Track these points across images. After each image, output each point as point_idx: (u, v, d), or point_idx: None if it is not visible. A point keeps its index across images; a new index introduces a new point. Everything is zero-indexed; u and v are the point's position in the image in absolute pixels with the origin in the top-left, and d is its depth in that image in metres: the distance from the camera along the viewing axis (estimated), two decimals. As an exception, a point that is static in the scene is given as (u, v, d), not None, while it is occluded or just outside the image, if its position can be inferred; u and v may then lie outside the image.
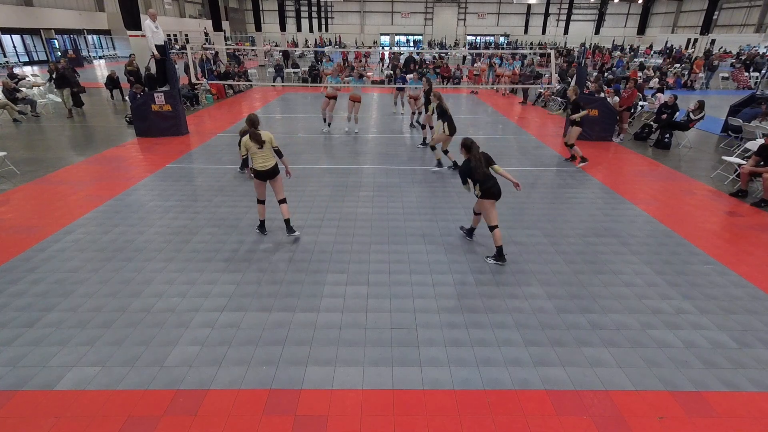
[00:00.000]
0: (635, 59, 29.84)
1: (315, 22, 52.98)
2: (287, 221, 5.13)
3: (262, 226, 5.32)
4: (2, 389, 2.96)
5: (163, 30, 10.39)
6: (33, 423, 2.72)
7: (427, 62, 21.52)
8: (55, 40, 31.68)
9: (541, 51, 25.58)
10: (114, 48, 39.12)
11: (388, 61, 25.29)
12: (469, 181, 4.55)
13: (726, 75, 21.08)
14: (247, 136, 4.81)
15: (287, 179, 5.88)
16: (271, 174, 4.93)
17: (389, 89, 17.32)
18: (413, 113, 11.50)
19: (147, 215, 5.79)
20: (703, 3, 32.85)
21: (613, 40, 44.90)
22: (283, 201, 5.10)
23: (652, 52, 36.10)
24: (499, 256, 4.61)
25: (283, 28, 34.68)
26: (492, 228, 4.58)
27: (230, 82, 16.77)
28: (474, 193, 4.61)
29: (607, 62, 23.15)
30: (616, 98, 10.50)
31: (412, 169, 7.96)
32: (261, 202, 5.19)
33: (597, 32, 43.85)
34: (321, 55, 26.04)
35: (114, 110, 13.44)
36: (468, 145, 4.58)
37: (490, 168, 4.54)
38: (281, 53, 26.21)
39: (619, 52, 34.35)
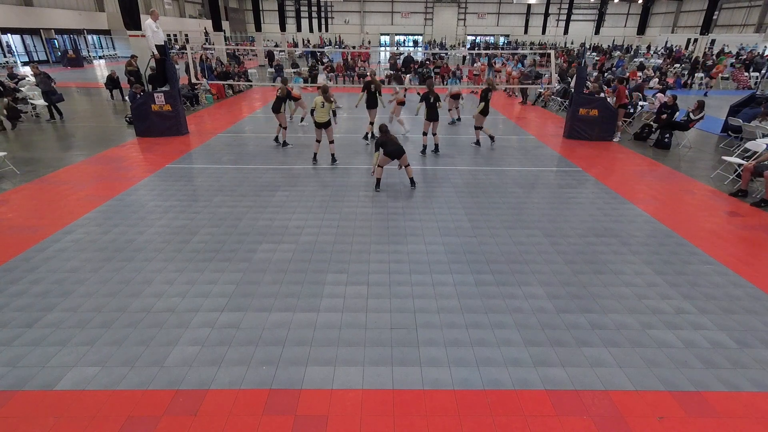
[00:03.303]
0: (635, 59, 29.83)
1: (315, 22, 52.99)
2: (333, 155, 8.14)
3: (314, 158, 8.18)
4: (2, 389, 2.96)
5: (163, 30, 10.39)
6: (33, 423, 2.72)
7: (429, 62, 21.51)
8: (55, 40, 31.69)
9: (541, 51, 25.54)
10: (114, 48, 39.13)
11: (386, 62, 24.97)
12: (380, 150, 6.52)
13: (726, 75, 21.07)
14: (320, 96, 7.51)
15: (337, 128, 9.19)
16: (324, 125, 7.76)
17: (389, 89, 17.30)
18: (450, 110, 12.04)
19: (147, 215, 5.79)
20: (703, 3, 32.81)
21: (613, 40, 44.87)
22: (332, 142, 8.04)
23: (652, 53, 36.06)
24: (377, 185, 6.88)
25: (283, 28, 34.67)
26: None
27: (230, 82, 16.77)
28: (379, 157, 6.64)
29: (601, 62, 23.05)
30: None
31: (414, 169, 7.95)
32: (318, 141, 8.06)
33: (597, 32, 43.85)
34: (320, 55, 25.86)
35: (114, 110, 13.44)
36: (384, 130, 6.61)
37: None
38: (267, 53, 25.79)
39: (619, 52, 34.29)
